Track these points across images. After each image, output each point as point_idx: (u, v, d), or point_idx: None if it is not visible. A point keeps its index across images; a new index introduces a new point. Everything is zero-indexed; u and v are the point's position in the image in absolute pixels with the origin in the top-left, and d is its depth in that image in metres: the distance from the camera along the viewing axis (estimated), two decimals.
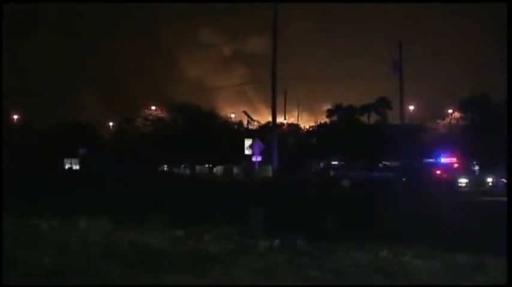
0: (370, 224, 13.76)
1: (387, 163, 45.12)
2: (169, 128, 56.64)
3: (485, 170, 41.61)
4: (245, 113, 61.12)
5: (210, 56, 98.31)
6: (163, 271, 8.14)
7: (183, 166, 59.93)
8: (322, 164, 56.13)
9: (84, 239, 10.00)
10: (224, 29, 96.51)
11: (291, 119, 70.67)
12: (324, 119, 66.09)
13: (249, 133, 51.90)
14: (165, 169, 60.16)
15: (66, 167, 61.08)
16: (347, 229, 12.76)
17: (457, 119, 56.57)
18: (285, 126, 63.98)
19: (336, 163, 51.18)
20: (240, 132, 56.85)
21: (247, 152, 38.43)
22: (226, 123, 61.08)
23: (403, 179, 37.71)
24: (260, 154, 37.21)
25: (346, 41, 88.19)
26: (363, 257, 8.95)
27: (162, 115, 59.08)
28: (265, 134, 46.37)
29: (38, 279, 7.73)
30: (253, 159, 37.40)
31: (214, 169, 59.99)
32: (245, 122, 61.38)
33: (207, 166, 60.26)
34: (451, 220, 16.07)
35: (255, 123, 61.70)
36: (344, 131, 56.54)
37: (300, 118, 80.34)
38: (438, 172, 39.66)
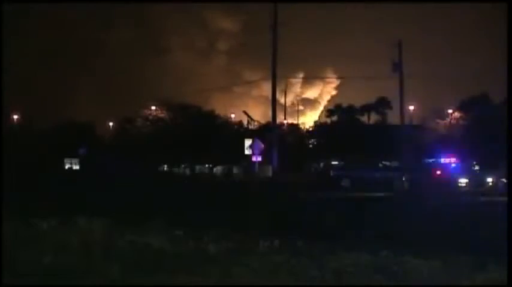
0: (370, 224, 13.75)
1: (387, 163, 45.10)
2: (169, 128, 56.63)
3: (485, 170, 41.56)
4: (245, 113, 61.14)
5: (210, 56, 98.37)
6: (163, 271, 8.15)
7: (183, 166, 59.92)
8: (322, 164, 56.14)
9: (84, 239, 10.00)
10: (225, 28, 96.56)
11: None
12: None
13: (249, 133, 51.90)
14: (165, 168, 60.14)
15: (66, 167, 61.05)
16: (347, 229, 12.77)
17: (457, 119, 56.61)
18: (285, 126, 64.05)
19: (336, 163, 51.18)
20: (240, 132, 56.85)
21: (247, 152, 38.43)
22: (226, 123, 61.09)
23: (403, 179, 37.73)
24: (260, 154, 37.21)
25: (346, 41, 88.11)
26: (363, 257, 8.94)
27: (162, 115, 59.06)
28: (265, 134, 46.39)
29: (38, 279, 7.73)
30: (253, 159, 37.41)
31: (214, 169, 59.99)
32: (245, 122, 61.41)
33: (207, 166, 60.25)
34: (451, 220, 16.07)
35: (255, 123, 61.74)
36: (344, 131, 56.55)
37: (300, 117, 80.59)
38: (438, 172, 39.66)
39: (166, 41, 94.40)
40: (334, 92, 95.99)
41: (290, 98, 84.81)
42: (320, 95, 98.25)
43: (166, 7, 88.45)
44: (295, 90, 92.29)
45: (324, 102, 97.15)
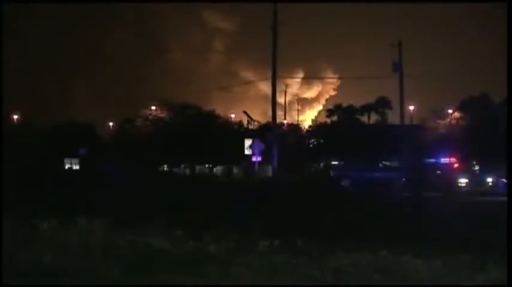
0: (370, 224, 13.76)
1: (387, 163, 45.12)
2: (169, 128, 56.64)
3: (485, 170, 41.59)
4: (245, 113, 61.17)
5: (210, 55, 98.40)
6: (163, 271, 8.14)
7: (183, 166, 59.95)
8: (322, 164, 56.20)
9: (84, 239, 9.99)
10: (224, 28, 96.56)
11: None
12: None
13: (249, 133, 51.93)
14: (165, 169, 60.19)
15: (66, 167, 61.10)
16: (347, 228, 12.77)
17: (457, 119, 56.62)
18: (285, 126, 64.07)
19: (336, 163, 51.21)
20: (240, 132, 56.87)
21: (247, 152, 38.48)
22: (226, 123, 61.11)
23: (403, 179, 37.74)
24: (260, 154, 37.24)
25: (346, 41, 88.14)
26: (363, 257, 8.94)
27: (162, 115, 59.08)
28: (265, 134, 46.39)
29: (38, 279, 7.73)
30: (253, 159, 37.44)
31: (214, 169, 60.02)
32: (245, 122, 61.43)
33: (207, 165, 60.28)
34: (451, 219, 16.07)
35: (255, 123, 61.74)
36: (344, 131, 56.56)
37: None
38: (438, 172, 39.68)
39: (165, 41, 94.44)
40: (333, 93, 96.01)
41: (288, 98, 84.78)
42: (319, 95, 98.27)
43: (166, 7, 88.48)
44: (294, 90, 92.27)
45: (322, 102, 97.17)
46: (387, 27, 74.80)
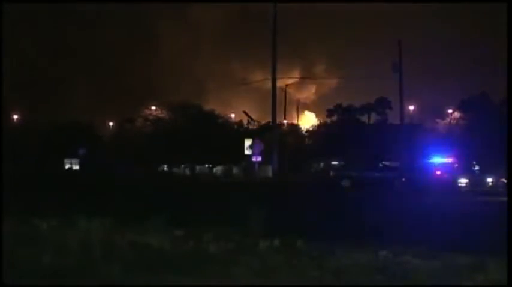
0: (370, 224, 13.76)
1: (387, 163, 45.15)
2: (169, 128, 56.67)
3: (485, 170, 41.64)
4: (245, 113, 61.23)
5: (210, 55, 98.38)
6: (163, 271, 8.14)
7: (183, 166, 59.98)
8: (322, 164, 56.23)
9: (84, 239, 9.98)
10: (225, 28, 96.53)
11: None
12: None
13: (249, 133, 51.98)
14: (165, 169, 60.23)
15: (66, 167, 61.12)
16: (347, 228, 12.78)
17: (457, 119, 56.72)
18: (285, 127, 64.11)
19: (336, 163, 51.24)
20: (240, 132, 56.90)
21: (247, 152, 38.55)
22: (226, 123, 61.14)
23: (403, 179, 37.77)
24: (260, 154, 37.29)
25: (346, 41, 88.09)
26: (363, 257, 8.94)
27: (162, 115, 59.11)
28: (265, 134, 46.46)
29: (38, 279, 7.73)
30: (253, 159, 37.49)
31: (214, 169, 60.03)
32: (245, 122, 61.48)
33: (207, 166, 60.30)
34: (451, 220, 16.08)
35: (255, 123, 61.79)
36: (344, 131, 56.58)
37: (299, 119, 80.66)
38: (438, 172, 39.72)
39: (164, 40, 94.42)
40: (331, 93, 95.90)
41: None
42: (317, 95, 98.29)
43: (163, 6, 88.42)
44: (293, 90, 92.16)
45: (316, 102, 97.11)
46: (387, 27, 74.84)
